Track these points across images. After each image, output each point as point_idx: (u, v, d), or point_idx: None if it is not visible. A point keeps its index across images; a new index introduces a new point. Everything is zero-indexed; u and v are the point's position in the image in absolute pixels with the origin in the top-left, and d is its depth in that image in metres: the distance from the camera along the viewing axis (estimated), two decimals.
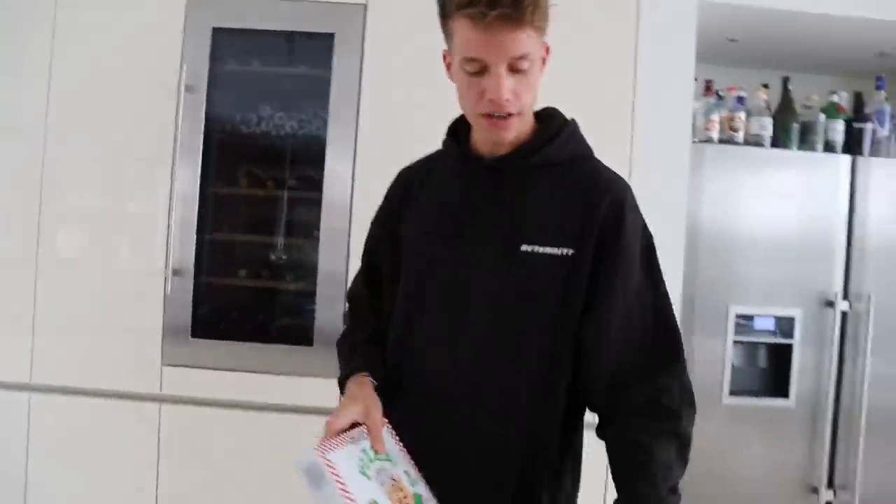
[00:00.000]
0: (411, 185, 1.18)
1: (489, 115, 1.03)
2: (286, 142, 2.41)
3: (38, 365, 2.32)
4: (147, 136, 2.30)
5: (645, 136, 2.22)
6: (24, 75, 2.35)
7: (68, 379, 2.32)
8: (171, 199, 2.28)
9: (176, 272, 2.28)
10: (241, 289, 2.41)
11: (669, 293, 1.11)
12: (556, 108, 1.15)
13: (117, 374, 2.30)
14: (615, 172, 1.11)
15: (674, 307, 1.11)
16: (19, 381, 2.34)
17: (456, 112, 1.16)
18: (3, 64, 2.35)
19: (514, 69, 0.98)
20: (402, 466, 0.99)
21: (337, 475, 0.87)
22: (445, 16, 1.02)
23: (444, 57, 1.06)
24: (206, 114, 2.28)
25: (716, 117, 2.49)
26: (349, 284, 1.36)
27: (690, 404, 1.06)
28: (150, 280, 2.29)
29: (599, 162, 1.12)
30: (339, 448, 0.92)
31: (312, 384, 2.18)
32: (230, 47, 2.32)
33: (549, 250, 1.01)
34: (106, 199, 2.34)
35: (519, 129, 1.06)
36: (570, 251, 1.01)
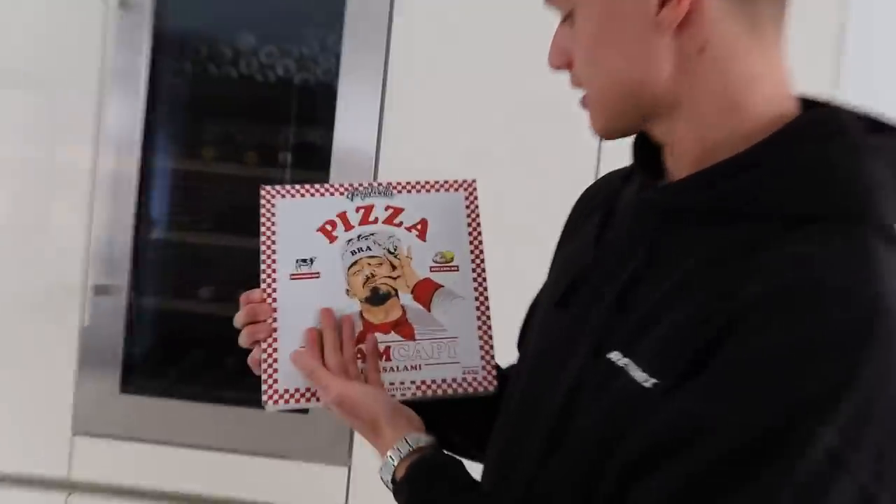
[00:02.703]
0: (589, 204, 0.90)
1: None
2: (278, 91, 1.90)
3: None
4: (66, 89, 1.71)
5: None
6: None
7: None
8: (94, 175, 1.69)
9: (100, 289, 1.69)
10: (201, 318, 1.88)
11: None
12: (852, 108, 0.68)
13: (4, 446, 1.71)
14: (853, 263, 0.59)
15: None
16: None
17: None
18: None
19: (563, 17, 0.76)
20: (437, 247, 0.93)
21: (270, 225, 0.91)
22: None
23: None
24: (153, 46, 1.71)
25: None
26: None
27: None
28: (63, 299, 1.69)
29: (868, 240, 0.61)
30: (305, 197, 0.93)
31: (308, 472, 1.67)
32: None
33: (635, 373, 0.64)
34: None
35: (671, 129, 0.72)
36: (655, 382, 0.62)
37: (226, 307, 1.72)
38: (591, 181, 0.90)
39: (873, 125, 0.67)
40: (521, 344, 0.92)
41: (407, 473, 0.78)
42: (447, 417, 0.88)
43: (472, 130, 1.64)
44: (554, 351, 0.78)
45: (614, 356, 0.68)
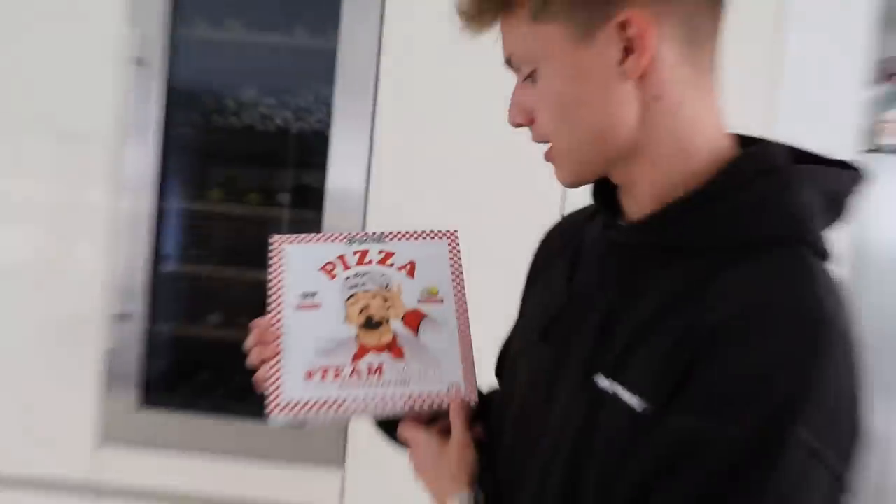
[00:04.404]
0: (553, 245, 0.91)
1: None
2: (277, 139, 1.86)
3: None
4: (87, 139, 1.74)
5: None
6: None
7: None
8: (114, 215, 1.73)
9: (120, 317, 1.73)
10: (210, 342, 1.87)
11: None
12: (780, 143, 0.70)
13: (38, 454, 1.75)
14: (794, 281, 0.61)
15: None
16: None
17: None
18: None
19: (524, 77, 0.73)
20: (424, 284, 0.95)
21: (278, 266, 0.94)
22: None
23: None
24: (165, 99, 1.72)
25: (893, 115, 1.71)
26: None
27: None
28: (88, 326, 1.73)
29: (804, 259, 0.63)
30: (310, 243, 0.96)
31: (305, 476, 1.71)
32: (199, 4, 1.78)
33: (623, 394, 0.65)
34: (41, 204, 1.77)
35: (636, 175, 0.71)
36: (644, 406, 0.63)
37: (231, 332, 1.81)
38: (556, 220, 0.93)
39: (798, 156, 0.69)
40: (500, 373, 0.95)
41: None
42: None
43: (452, 173, 1.65)
44: (541, 380, 0.77)
45: (601, 381, 0.68)
